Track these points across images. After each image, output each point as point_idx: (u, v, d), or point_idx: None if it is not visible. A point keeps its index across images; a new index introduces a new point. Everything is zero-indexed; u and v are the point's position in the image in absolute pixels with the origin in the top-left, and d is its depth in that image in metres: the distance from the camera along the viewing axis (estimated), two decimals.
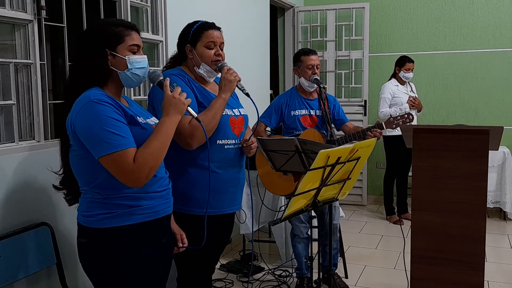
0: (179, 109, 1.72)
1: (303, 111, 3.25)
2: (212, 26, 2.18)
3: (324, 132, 3.19)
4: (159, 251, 1.76)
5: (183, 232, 2.01)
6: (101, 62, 1.67)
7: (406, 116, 3.09)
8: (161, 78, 1.82)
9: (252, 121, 2.47)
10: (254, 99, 2.10)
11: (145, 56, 1.76)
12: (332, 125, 3.16)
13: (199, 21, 2.21)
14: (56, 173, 1.82)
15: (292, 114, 3.25)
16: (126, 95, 2.00)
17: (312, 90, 3.27)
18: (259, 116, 3.34)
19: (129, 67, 1.69)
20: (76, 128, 1.59)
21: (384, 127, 3.06)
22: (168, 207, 1.80)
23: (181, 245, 1.97)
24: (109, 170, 1.59)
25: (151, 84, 1.97)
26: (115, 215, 1.64)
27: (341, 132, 3.33)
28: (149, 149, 1.61)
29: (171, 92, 1.74)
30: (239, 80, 2.13)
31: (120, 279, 1.69)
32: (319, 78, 3.20)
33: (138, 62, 1.71)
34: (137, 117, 1.71)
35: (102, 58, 1.67)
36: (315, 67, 3.20)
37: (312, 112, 3.25)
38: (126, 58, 1.69)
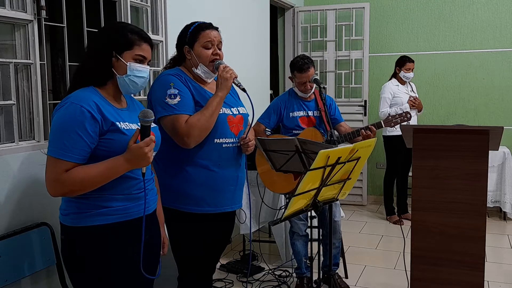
0: (140, 163, 1.65)
1: (301, 113, 3.31)
2: (209, 26, 2.19)
3: (322, 131, 3.24)
4: (133, 252, 1.72)
5: (166, 240, 2.04)
6: (104, 61, 1.72)
7: (404, 114, 3.18)
8: (149, 124, 1.66)
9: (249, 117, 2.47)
10: (254, 99, 2.10)
11: (147, 67, 1.78)
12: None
13: (197, 22, 2.21)
14: None
15: (291, 116, 3.32)
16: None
17: (307, 96, 3.31)
18: (259, 117, 3.39)
19: (128, 73, 1.73)
20: (52, 123, 1.66)
21: (383, 125, 3.13)
22: (145, 208, 1.76)
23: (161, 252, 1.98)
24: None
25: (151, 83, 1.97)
26: (88, 214, 1.67)
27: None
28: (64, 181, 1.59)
29: (140, 142, 1.63)
30: (236, 77, 2.13)
31: (93, 278, 1.70)
32: (319, 78, 3.23)
33: (139, 70, 1.74)
34: (120, 123, 1.69)
35: (106, 58, 1.72)
36: (307, 83, 3.23)
37: (310, 113, 3.32)
38: (128, 64, 1.72)
